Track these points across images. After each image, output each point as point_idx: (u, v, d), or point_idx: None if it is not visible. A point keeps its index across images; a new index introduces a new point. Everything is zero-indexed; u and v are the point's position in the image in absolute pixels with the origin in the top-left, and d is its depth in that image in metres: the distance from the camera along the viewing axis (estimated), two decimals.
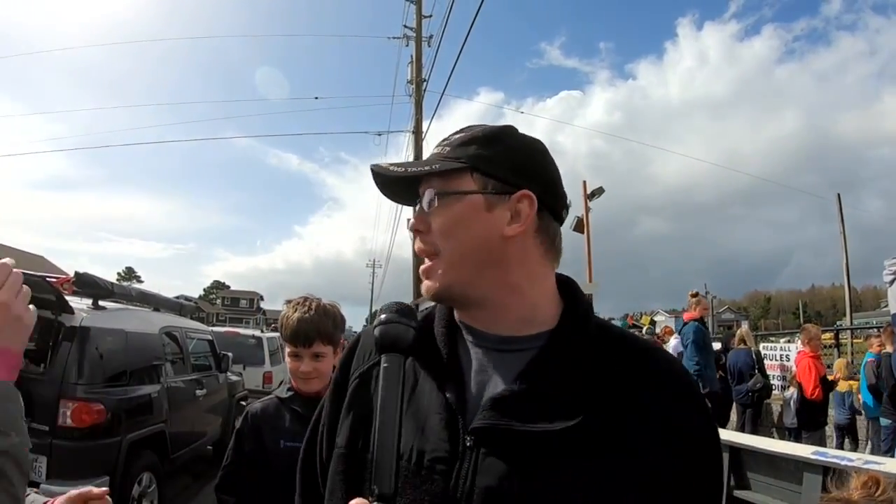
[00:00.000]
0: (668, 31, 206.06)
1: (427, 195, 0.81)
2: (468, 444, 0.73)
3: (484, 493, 0.70)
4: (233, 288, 79.46)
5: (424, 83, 14.64)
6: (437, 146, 0.85)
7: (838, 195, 17.27)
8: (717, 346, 7.93)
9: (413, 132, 14.93)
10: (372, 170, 0.86)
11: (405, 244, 14.58)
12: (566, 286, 0.86)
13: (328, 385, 1.11)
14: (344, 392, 0.88)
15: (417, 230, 0.83)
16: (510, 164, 0.81)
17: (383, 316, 0.86)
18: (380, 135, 17.75)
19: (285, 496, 1.04)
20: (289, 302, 1.77)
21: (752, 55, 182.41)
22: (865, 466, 3.30)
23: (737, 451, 4.00)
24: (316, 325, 1.70)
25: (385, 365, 0.83)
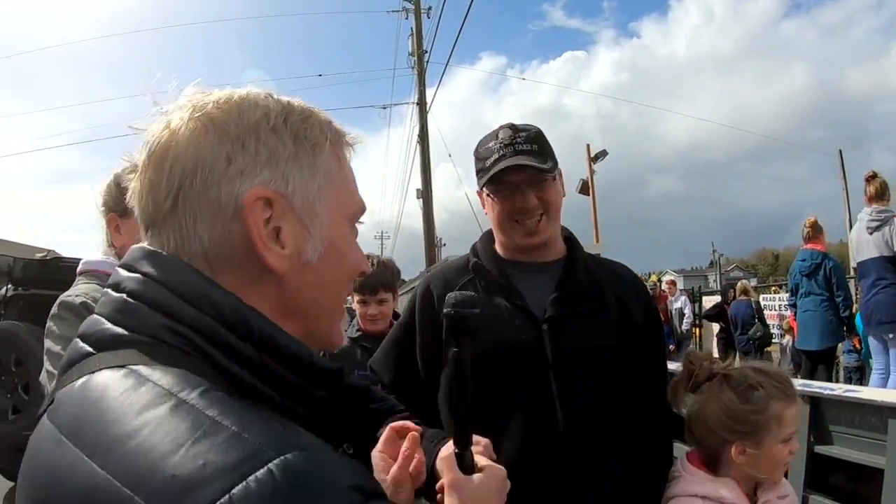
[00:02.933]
0: None
1: (535, 181, 1.27)
2: (544, 328, 1.23)
3: (563, 355, 1.22)
4: None
5: (426, 54, 14.69)
6: (519, 144, 1.27)
7: (840, 151, 17.33)
8: (717, 298, 8.34)
9: (417, 104, 15.05)
10: (511, 165, 1.26)
11: (415, 213, 14.88)
12: (565, 230, 1.42)
13: (390, 324, 1.59)
14: (437, 317, 1.26)
15: (535, 203, 1.27)
16: (556, 157, 1.34)
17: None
18: (384, 108, 17.86)
19: None
20: None
21: (759, 10, 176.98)
22: (846, 395, 3.67)
23: None
24: (379, 277, 2.14)
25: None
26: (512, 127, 1.30)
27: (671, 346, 9.29)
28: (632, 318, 1.31)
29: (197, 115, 0.55)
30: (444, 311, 0.85)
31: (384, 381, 1.37)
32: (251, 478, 0.37)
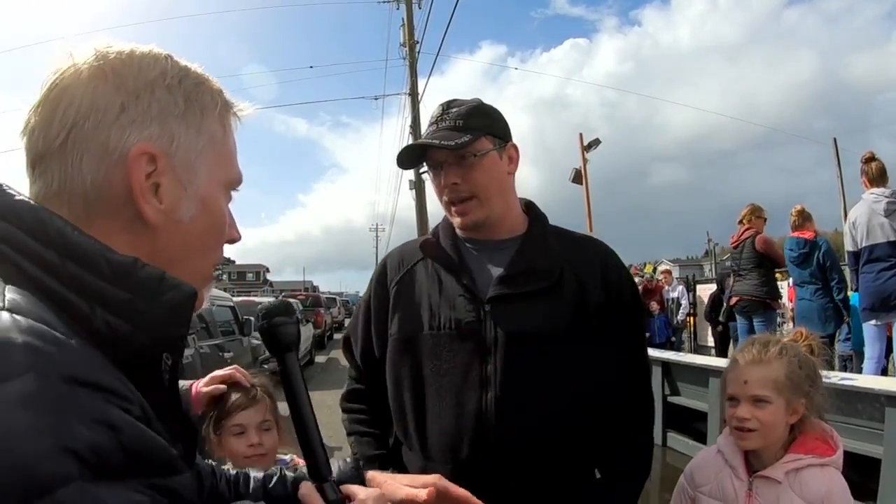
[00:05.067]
0: None
1: (457, 158, 1.15)
2: (486, 309, 1.13)
3: (503, 338, 1.11)
4: (239, 262, 79.89)
5: (418, 45, 14.55)
6: (444, 121, 1.17)
7: (834, 139, 17.20)
8: (713, 287, 8.29)
9: (409, 94, 14.93)
10: (414, 145, 1.20)
11: (412, 204, 14.76)
12: (529, 204, 1.30)
13: None
14: (387, 297, 1.26)
15: (455, 183, 1.16)
16: (501, 126, 1.20)
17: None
18: (377, 99, 17.73)
19: None
20: None
21: None
22: (842, 383, 3.60)
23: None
24: None
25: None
26: (445, 103, 1.20)
27: (672, 338, 9.21)
28: (588, 301, 1.17)
29: (99, 62, 0.58)
30: (257, 325, 0.78)
31: (355, 352, 1.36)
32: None
